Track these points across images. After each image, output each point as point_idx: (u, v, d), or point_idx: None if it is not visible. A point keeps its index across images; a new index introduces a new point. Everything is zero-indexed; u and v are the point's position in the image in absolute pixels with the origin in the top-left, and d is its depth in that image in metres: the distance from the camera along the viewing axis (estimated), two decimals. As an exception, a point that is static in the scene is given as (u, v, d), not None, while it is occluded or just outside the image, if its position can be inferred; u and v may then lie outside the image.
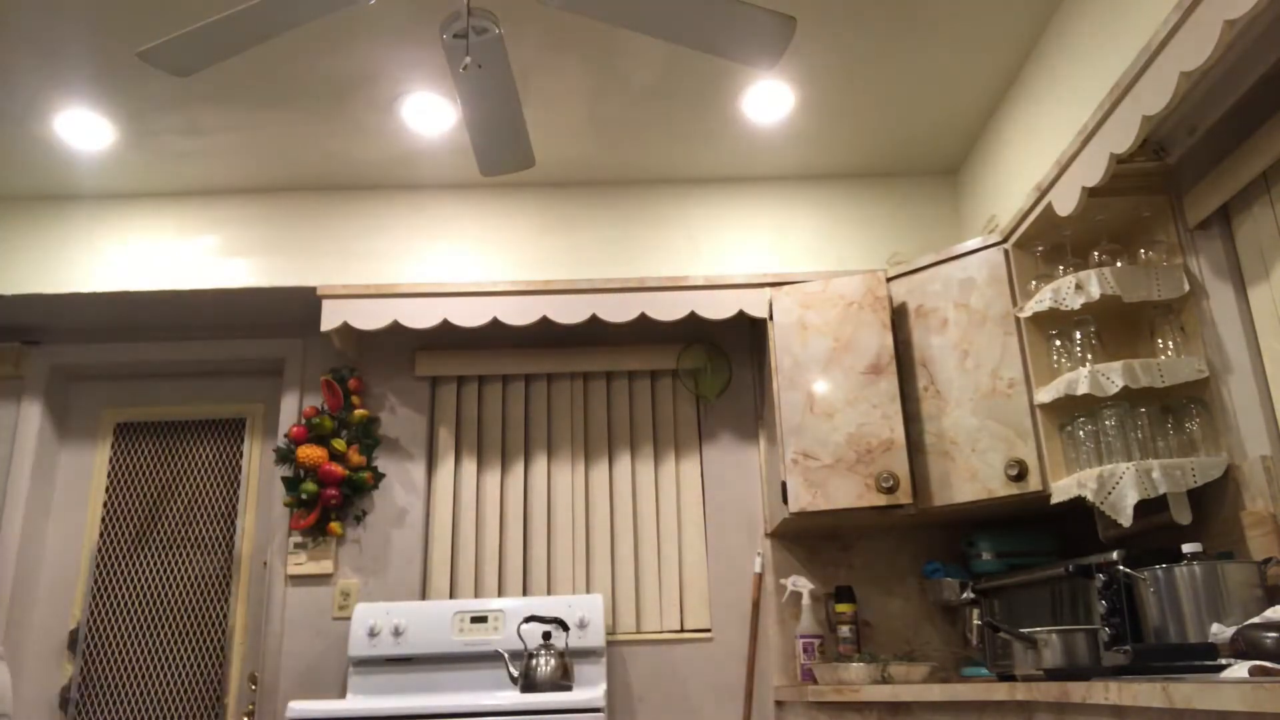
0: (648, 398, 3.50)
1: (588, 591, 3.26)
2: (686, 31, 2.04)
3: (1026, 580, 2.54)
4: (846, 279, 3.02)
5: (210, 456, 3.58)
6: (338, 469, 3.28)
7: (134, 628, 3.38)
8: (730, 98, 2.95)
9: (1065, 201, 2.46)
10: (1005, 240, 2.81)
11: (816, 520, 2.91)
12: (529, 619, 2.90)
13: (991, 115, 3.08)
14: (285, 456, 3.33)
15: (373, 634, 3.03)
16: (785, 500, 2.87)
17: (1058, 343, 2.66)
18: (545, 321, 3.28)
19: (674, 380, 3.52)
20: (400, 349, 3.50)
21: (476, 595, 3.23)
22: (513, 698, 2.56)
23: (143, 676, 3.33)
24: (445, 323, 3.21)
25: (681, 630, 3.24)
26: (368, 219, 3.35)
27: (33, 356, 3.53)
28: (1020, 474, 2.61)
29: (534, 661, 2.84)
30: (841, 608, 3.01)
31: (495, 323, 3.20)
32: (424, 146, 3.15)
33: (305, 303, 3.31)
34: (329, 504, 3.26)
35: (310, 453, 3.28)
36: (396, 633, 3.03)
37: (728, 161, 3.31)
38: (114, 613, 3.39)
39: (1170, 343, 2.45)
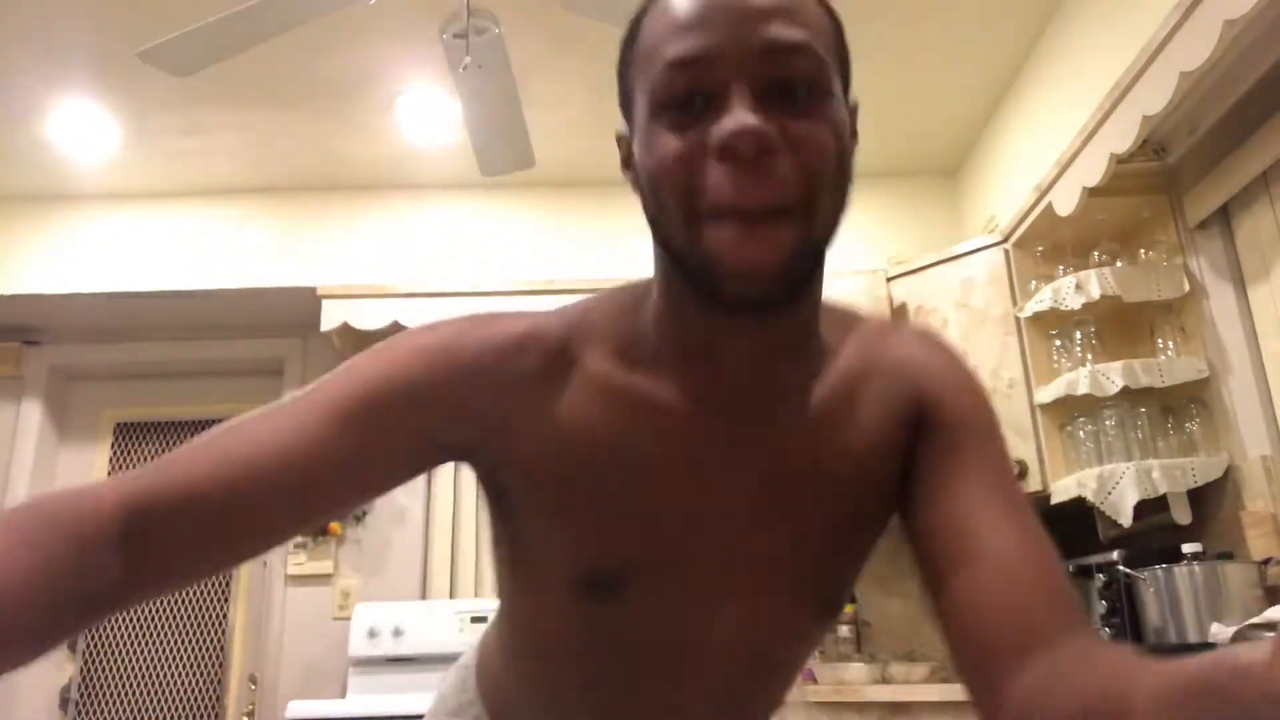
0: (648, 398, 3.49)
1: (588, 591, 3.26)
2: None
3: (1026, 580, 2.54)
4: (846, 279, 3.01)
5: (210, 456, 3.58)
6: (338, 469, 3.27)
7: (134, 628, 3.38)
8: (730, 98, 2.95)
9: (1065, 201, 2.46)
10: (1005, 240, 2.81)
11: (816, 520, 2.91)
12: (529, 619, 2.90)
13: (992, 115, 3.07)
14: (285, 456, 3.32)
15: (373, 634, 3.03)
16: (785, 500, 2.86)
17: (1058, 343, 2.66)
18: (545, 321, 3.28)
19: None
20: (400, 349, 3.50)
21: (476, 595, 3.23)
22: (513, 698, 2.55)
23: (143, 676, 3.33)
24: (445, 323, 3.20)
25: (681, 630, 3.23)
26: (368, 219, 3.35)
27: (33, 356, 3.53)
28: (1020, 474, 2.61)
29: (534, 661, 2.84)
30: (841, 608, 3.01)
31: (495, 323, 3.20)
32: (424, 146, 3.15)
33: (305, 303, 3.30)
34: (329, 504, 3.25)
35: (310, 453, 3.27)
36: (396, 633, 3.03)
37: (728, 161, 3.31)
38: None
39: (1170, 343, 2.45)
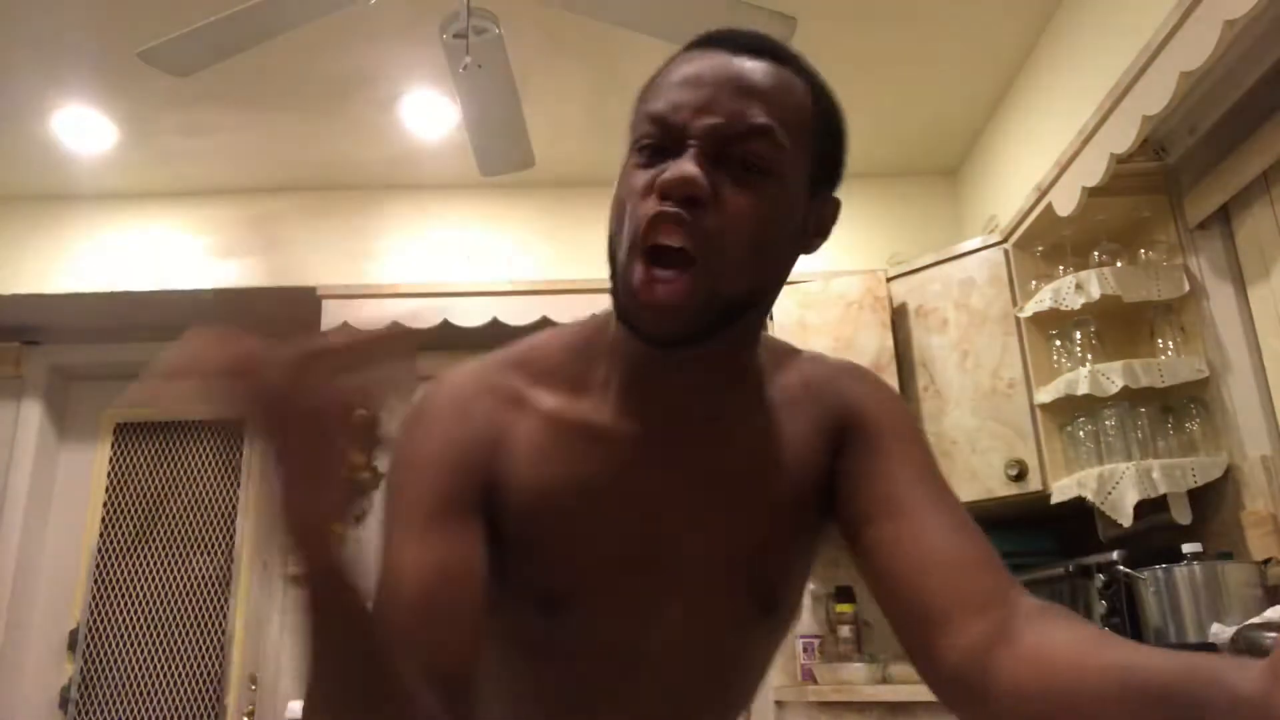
0: (648, 398, 3.49)
1: (588, 591, 3.25)
2: (686, 31, 2.04)
3: (1027, 580, 2.54)
4: (846, 279, 3.01)
5: (210, 456, 3.58)
6: (338, 469, 3.27)
7: (134, 628, 3.38)
8: (730, 98, 2.94)
9: (1065, 201, 2.46)
10: (1005, 240, 2.81)
11: (816, 520, 2.91)
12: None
13: (992, 115, 3.07)
14: (285, 456, 3.32)
15: (373, 634, 3.03)
16: (785, 500, 2.86)
17: (1058, 343, 2.66)
18: (545, 321, 3.28)
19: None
20: (400, 349, 3.49)
21: (476, 595, 3.23)
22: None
23: (143, 676, 3.33)
24: (445, 323, 3.20)
25: (681, 630, 3.23)
26: (368, 219, 3.35)
27: (33, 356, 3.52)
28: (1020, 474, 2.61)
29: (534, 661, 2.83)
30: (841, 608, 3.01)
31: (495, 323, 3.20)
32: (424, 146, 3.15)
33: (305, 303, 3.30)
34: (329, 504, 3.25)
35: (310, 453, 3.27)
36: (396, 633, 3.03)
37: (728, 161, 3.30)
38: (114, 613, 3.39)
39: (1170, 343, 2.45)
